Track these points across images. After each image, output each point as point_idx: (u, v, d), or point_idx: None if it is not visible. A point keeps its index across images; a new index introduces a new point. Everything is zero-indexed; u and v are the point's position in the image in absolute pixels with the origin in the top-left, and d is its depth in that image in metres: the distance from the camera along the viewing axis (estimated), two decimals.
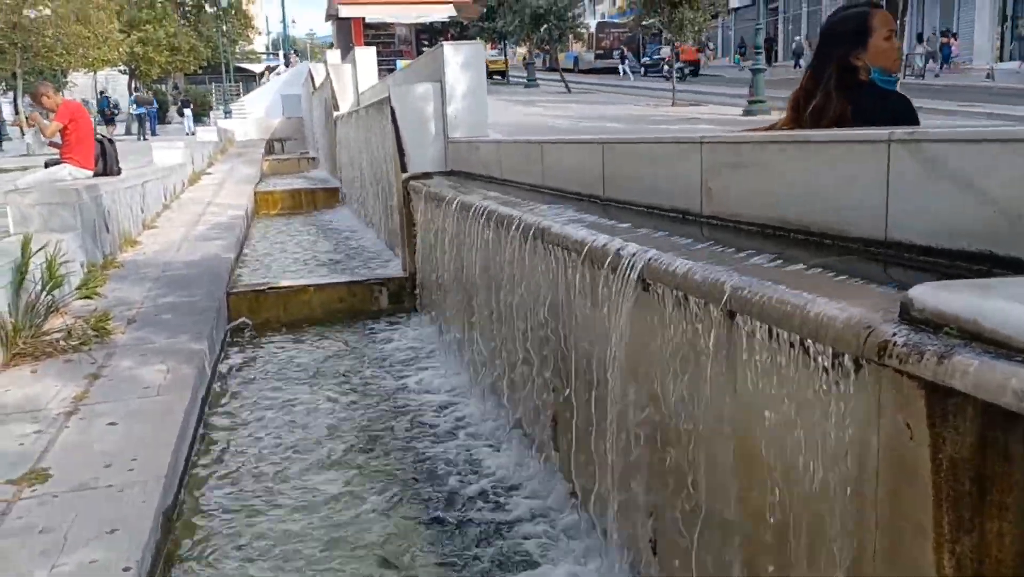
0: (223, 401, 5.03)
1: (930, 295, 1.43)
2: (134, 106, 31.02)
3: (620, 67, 40.09)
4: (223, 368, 5.64)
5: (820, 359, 1.70)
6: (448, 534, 3.38)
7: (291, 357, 6.02)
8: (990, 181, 1.69)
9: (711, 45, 44.81)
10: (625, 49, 41.82)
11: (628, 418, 2.64)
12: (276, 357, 6.03)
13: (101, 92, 32.95)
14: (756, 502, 1.97)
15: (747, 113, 19.04)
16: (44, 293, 5.20)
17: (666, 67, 32.77)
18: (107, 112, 30.30)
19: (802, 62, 36.35)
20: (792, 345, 1.78)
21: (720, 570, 2.20)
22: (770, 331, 1.86)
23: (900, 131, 1.95)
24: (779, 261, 2.06)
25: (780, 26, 39.64)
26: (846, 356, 1.61)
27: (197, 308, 5.98)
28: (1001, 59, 25.66)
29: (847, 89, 2.65)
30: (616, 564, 2.82)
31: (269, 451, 4.26)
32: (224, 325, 6.34)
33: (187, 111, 33.17)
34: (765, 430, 1.92)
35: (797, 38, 37.98)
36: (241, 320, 6.56)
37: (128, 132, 29.54)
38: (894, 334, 1.45)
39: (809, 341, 1.71)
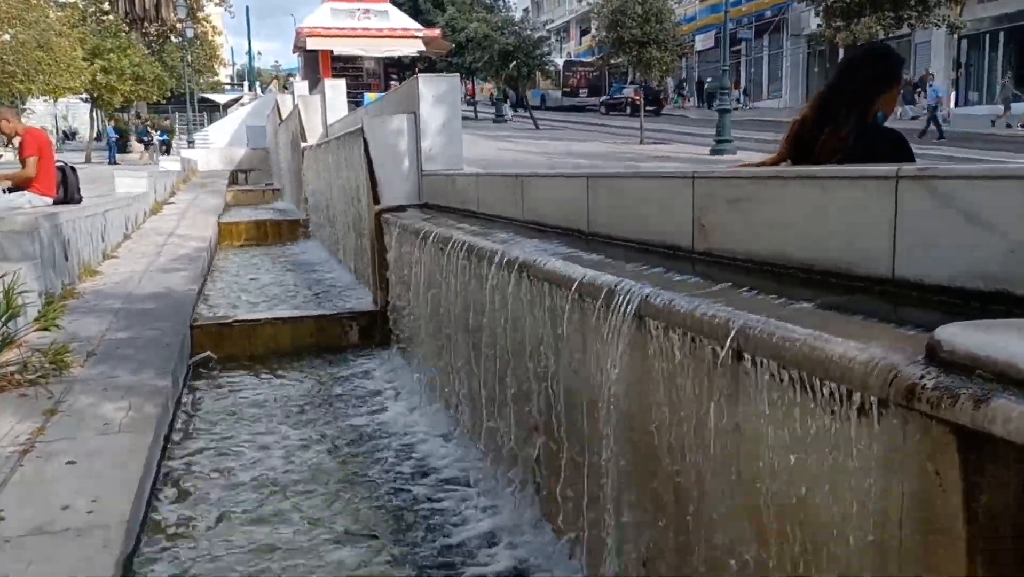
0: (187, 439, 4.83)
1: (961, 336, 1.37)
2: (157, 132, 36.43)
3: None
4: (187, 404, 5.43)
5: (836, 401, 1.62)
6: None
7: (257, 394, 5.82)
8: (1008, 219, 1.65)
9: (685, 87, 45.28)
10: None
11: (622, 464, 2.54)
12: (241, 393, 5.83)
13: (141, 120, 38.15)
14: (765, 556, 1.88)
15: (714, 152, 19.30)
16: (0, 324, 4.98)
17: (628, 108, 33.21)
18: (144, 139, 35.53)
19: (716, 103, 37.08)
20: (805, 387, 1.71)
21: None
22: (779, 371, 1.79)
23: (909, 167, 1.91)
24: (784, 299, 2.00)
25: (743, 69, 40.43)
26: (866, 398, 1.54)
27: (160, 342, 5.77)
28: (956, 104, 26.53)
29: (862, 126, 2.61)
30: None
31: (234, 492, 4.08)
32: (187, 359, 6.13)
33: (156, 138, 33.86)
34: (774, 477, 1.83)
35: (709, 79, 38.78)
36: (205, 354, 6.35)
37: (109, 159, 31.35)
38: (922, 376, 1.38)
39: (825, 382, 1.63)
